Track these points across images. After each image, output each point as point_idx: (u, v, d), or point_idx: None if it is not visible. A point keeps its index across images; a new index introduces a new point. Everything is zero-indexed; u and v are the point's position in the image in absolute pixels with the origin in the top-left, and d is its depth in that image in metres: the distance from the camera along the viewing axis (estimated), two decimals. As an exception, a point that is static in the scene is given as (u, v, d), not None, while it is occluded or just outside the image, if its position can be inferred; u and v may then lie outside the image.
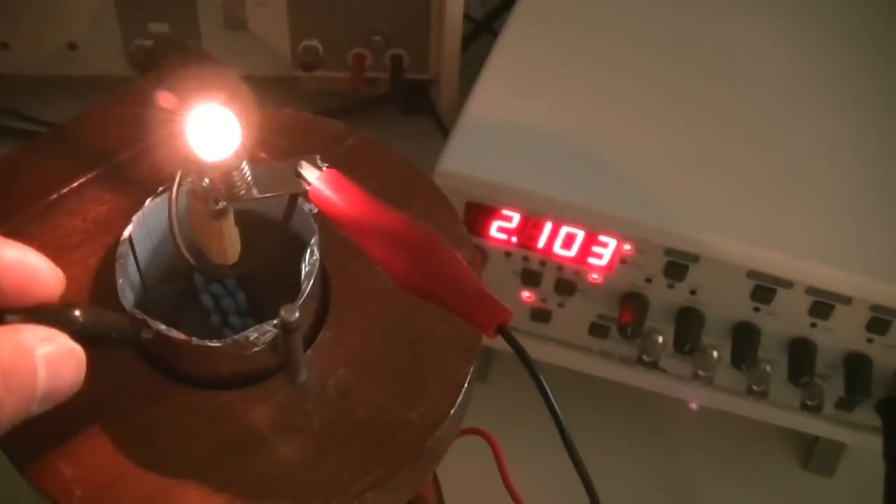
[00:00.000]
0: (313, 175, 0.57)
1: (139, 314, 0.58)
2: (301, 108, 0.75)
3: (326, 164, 0.58)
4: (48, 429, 0.60)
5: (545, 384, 0.55)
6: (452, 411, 0.61)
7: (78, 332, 0.53)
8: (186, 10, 1.09)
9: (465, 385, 0.62)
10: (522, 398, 0.97)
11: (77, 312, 0.54)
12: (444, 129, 1.17)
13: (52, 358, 0.51)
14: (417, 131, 1.19)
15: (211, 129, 0.54)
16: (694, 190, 0.85)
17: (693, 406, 0.96)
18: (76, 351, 0.53)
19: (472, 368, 0.63)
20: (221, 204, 0.58)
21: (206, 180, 0.57)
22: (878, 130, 0.92)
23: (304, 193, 0.58)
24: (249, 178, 0.57)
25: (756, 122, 0.92)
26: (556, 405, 0.55)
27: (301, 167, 0.57)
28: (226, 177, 0.56)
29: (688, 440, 1.02)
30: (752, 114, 0.92)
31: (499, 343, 0.90)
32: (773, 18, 1.03)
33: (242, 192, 0.57)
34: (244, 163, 0.56)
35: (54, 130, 0.75)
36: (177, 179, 0.59)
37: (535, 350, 0.90)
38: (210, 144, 0.54)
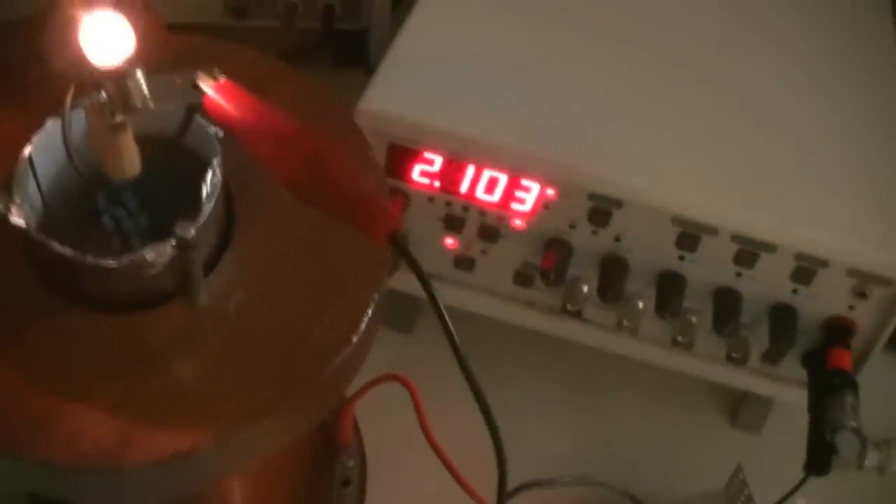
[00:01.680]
0: (209, 86, 0.56)
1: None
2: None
3: (224, 76, 0.56)
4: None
5: (439, 301, 0.53)
6: (354, 337, 0.60)
7: None
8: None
9: (369, 310, 0.61)
10: (449, 351, 0.98)
11: None
12: (376, 81, 1.16)
13: None
14: (350, 83, 1.18)
15: (103, 32, 0.53)
16: (619, 135, 0.84)
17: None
18: None
19: (376, 293, 0.62)
20: (119, 117, 0.56)
21: (103, 93, 0.56)
22: (803, 70, 0.92)
23: (200, 104, 0.56)
24: (145, 89, 0.56)
25: (683, 65, 0.91)
26: (449, 322, 0.54)
27: (198, 78, 0.56)
28: (121, 86, 0.55)
29: (614, 393, 1.01)
30: (678, 57, 0.91)
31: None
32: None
33: (139, 103, 0.56)
34: (139, 72, 0.55)
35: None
36: (70, 89, 0.57)
37: (460, 299, 0.90)
38: (103, 49, 0.53)
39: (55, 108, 0.63)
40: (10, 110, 0.69)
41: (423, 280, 0.52)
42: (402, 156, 0.83)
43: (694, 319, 0.86)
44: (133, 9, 0.54)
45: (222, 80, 0.56)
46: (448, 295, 0.90)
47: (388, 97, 0.84)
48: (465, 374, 0.54)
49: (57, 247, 0.57)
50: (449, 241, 0.88)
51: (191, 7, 1.10)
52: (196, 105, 0.57)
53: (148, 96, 0.56)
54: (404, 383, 0.83)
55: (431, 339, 0.99)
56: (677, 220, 0.81)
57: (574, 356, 1.00)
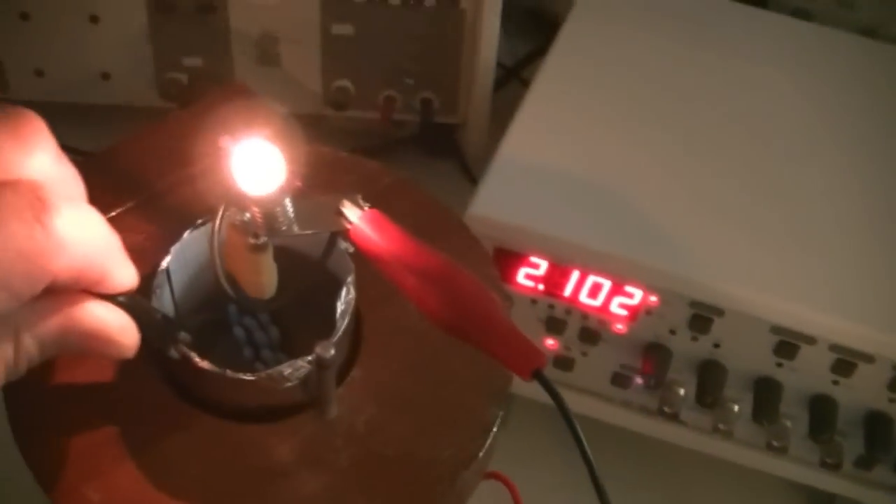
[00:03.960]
0: (355, 214, 0.57)
1: (180, 335, 0.59)
2: (327, 145, 0.76)
3: (368, 204, 0.58)
4: (76, 453, 0.60)
5: (579, 431, 0.55)
6: (481, 454, 0.62)
7: None
8: (220, 45, 1.10)
9: (494, 428, 0.63)
10: (542, 443, 0.99)
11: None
12: (469, 173, 1.18)
13: None
14: (442, 174, 1.19)
15: (257, 163, 0.54)
16: (721, 242, 0.85)
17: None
18: None
19: (501, 411, 0.64)
20: (262, 238, 0.58)
21: (247, 214, 0.58)
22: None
23: (345, 232, 0.58)
24: (291, 214, 0.57)
25: (783, 175, 0.92)
26: (589, 453, 0.55)
27: (343, 205, 0.58)
28: (268, 212, 0.57)
29: (704, 492, 1.01)
30: (779, 166, 0.93)
31: (520, 388, 0.91)
32: (802, 70, 1.05)
33: (284, 227, 0.57)
34: (287, 198, 0.57)
35: (91, 159, 0.75)
36: (220, 213, 0.59)
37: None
38: (255, 179, 0.55)
39: (185, 220, 0.66)
40: (140, 224, 0.71)
41: (566, 415, 0.54)
42: (508, 259, 0.85)
43: (789, 424, 0.87)
44: (287, 137, 0.56)
45: (367, 208, 0.58)
46: (545, 394, 0.91)
47: (495, 203, 0.85)
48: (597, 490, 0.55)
49: (198, 361, 0.59)
50: (549, 342, 0.89)
51: (290, 98, 1.13)
52: (340, 231, 0.59)
53: (293, 220, 0.58)
54: (504, 482, 0.84)
55: (525, 433, 1.02)
56: (777, 330, 0.82)
57: (666, 457, 1.01)
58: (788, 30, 1.12)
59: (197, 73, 1.12)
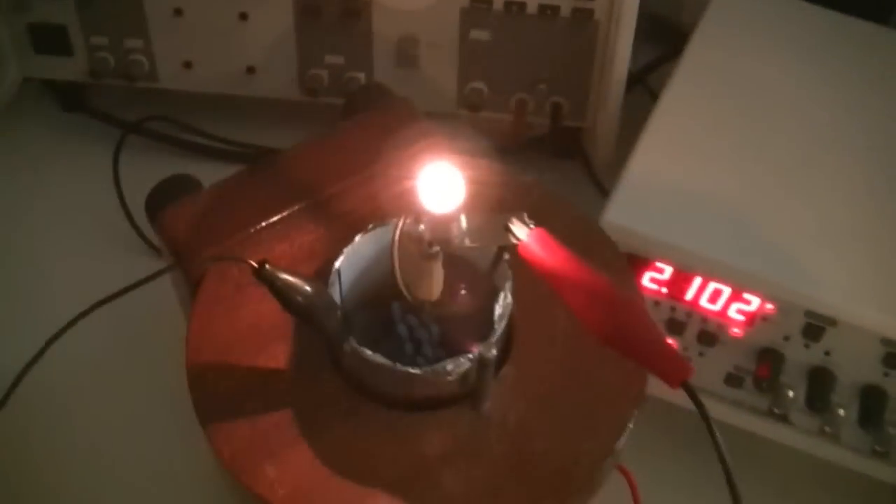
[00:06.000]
0: (523, 232, 0.64)
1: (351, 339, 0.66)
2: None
3: (534, 223, 0.64)
4: (256, 435, 0.67)
5: (719, 438, 0.60)
6: (618, 448, 0.68)
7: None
8: (362, 46, 1.16)
9: (630, 424, 0.69)
10: (662, 438, 1.03)
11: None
12: (592, 175, 1.23)
13: None
14: (566, 174, 1.23)
15: (442, 185, 0.61)
16: (836, 256, 0.90)
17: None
18: None
19: (636, 409, 0.70)
20: (435, 248, 0.65)
21: (422, 225, 0.64)
22: None
23: (514, 247, 0.64)
24: (465, 228, 0.64)
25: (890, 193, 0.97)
26: (727, 459, 0.60)
27: (511, 223, 0.64)
28: (445, 226, 0.63)
29: (810, 494, 1.05)
30: (888, 185, 0.98)
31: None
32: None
33: (456, 241, 0.64)
34: (462, 216, 0.63)
35: (267, 164, 0.82)
36: (399, 224, 0.65)
37: (673, 394, 0.96)
38: (439, 199, 0.61)
39: (351, 222, 0.73)
40: (310, 224, 0.78)
41: (708, 423, 0.60)
42: (635, 263, 0.90)
43: (893, 431, 0.92)
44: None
45: (534, 227, 0.64)
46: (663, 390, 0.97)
47: (626, 212, 0.90)
48: (730, 488, 0.60)
49: (370, 355, 0.66)
50: (669, 342, 0.94)
51: (425, 97, 1.17)
52: (508, 247, 0.65)
53: (466, 234, 0.64)
54: (625, 474, 0.89)
55: (644, 427, 1.06)
56: (886, 342, 0.87)
57: (767, 447, 1.04)
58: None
59: (337, 70, 1.17)
